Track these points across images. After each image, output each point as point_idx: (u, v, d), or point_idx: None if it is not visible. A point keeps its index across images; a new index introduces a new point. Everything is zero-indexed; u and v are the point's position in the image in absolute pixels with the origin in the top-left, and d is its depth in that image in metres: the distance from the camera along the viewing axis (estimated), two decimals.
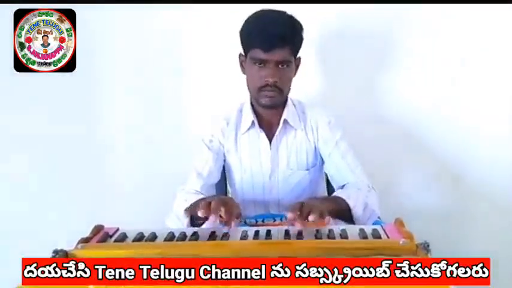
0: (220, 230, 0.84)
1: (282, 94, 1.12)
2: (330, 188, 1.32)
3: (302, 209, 0.82)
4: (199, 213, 0.81)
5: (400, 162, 1.56)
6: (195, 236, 0.81)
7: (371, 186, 1.10)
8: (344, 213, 0.99)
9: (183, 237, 0.81)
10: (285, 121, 1.18)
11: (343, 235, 0.78)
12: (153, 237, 0.81)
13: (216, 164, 1.20)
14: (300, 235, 0.79)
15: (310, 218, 0.79)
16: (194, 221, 1.01)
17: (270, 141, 1.19)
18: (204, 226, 0.95)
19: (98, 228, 0.83)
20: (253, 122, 1.19)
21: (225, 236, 0.81)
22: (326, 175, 1.29)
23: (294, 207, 0.82)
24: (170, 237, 0.81)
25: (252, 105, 1.20)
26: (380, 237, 0.77)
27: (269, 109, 1.17)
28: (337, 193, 1.07)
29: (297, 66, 1.17)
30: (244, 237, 0.80)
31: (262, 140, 1.20)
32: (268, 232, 0.82)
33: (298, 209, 0.82)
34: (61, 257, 0.70)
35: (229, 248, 0.76)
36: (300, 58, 1.16)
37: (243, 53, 1.14)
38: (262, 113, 1.20)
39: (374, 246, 0.73)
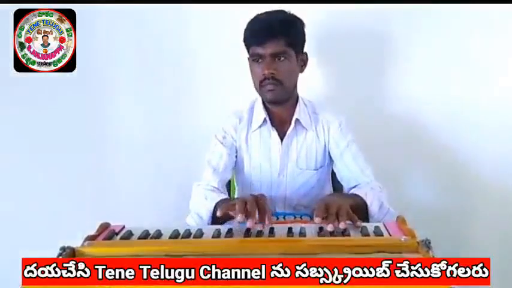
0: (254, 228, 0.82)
1: (283, 87, 1.11)
2: (335, 189, 1.32)
3: (329, 209, 0.82)
4: (239, 219, 0.79)
5: (401, 161, 1.56)
6: (199, 234, 0.82)
7: (381, 186, 1.11)
8: (361, 211, 0.99)
9: (187, 234, 0.82)
10: (297, 120, 1.19)
11: (346, 233, 0.79)
12: (159, 234, 0.82)
13: (229, 159, 1.20)
14: (302, 233, 0.80)
15: (342, 225, 0.78)
16: (217, 219, 0.99)
17: (281, 139, 1.20)
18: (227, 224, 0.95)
19: (104, 226, 0.84)
20: (265, 119, 1.19)
21: (229, 233, 0.82)
22: (332, 176, 1.29)
23: (320, 210, 0.82)
24: (175, 234, 0.82)
25: (264, 103, 1.21)
26: (382, 235, 0.77)
27: (275, 104, 1.17)
28: (353, 191, 1.08)
29: (304, 62, 1.18)
30: (247, 235, 0.80)
31: (274, 138, 1.20)
32: (271, 230, 0.82)
33: (324, 211, 0.82)
34: (68, 254, 0.71)
35: (233, 246, 0.76)
36: (306, 54, 1.17)
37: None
38: (273, 111, 1.21)
39: (376, 243, 0.73)
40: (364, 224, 0.83)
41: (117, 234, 0.83)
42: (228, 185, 1.35)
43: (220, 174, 1.17)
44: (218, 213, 0.88)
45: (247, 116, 1.23)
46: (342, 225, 0.78)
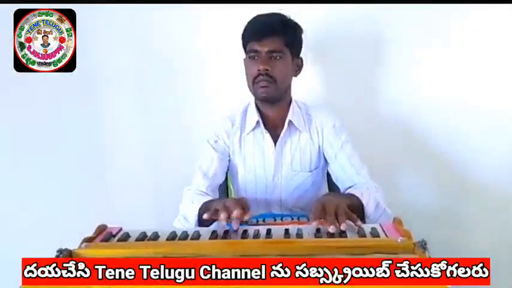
0: (223, 229, 0.84)
1: (276, 85, 1.12)
2: (331, 190, 1.32)
3: (327, 210, 0.82)
4: (222, 219, 0.81)
5: (399, 161, 1.56)
6: (196, 235, 0.82)
7: (377, 186, 1.11)
8: (357, 211, 0.99)
9: (184, 236, 0.82)
10: (290, 122, 1.19)
11: (342, 234, 0.79)
12: (156, 236, 0.82)
13: (221, 164, 1.20)
14: (299, 234, 0.80)
15: (343, 226, 0.78)
16: (202, 222, 1.00)
17: (275, 142, 1.20)
18: (211, 227, 0.96)
19: (101, 228, 0.84)
20: (258, 122, 1.19)
21: (226, 235, 0.82)
22: (327, 177, 1.29)
23: (317, 212, 0.82)
24: (172, 236, 0.82)
25: (257, 105, 1.21)
26: (378, 236, 0.77)
27: (268, 103, 1.18)
28: (349, 191, 1.08)
29: (298, 67, 1.19)
30: (244, 236, 0.81)
31: (267, 141, 1.20)
32: (269, 231, 0.82)
33: (322, 212, 0.82)
34: (65, 256, 0.71)
35: (230, 247, 0.76)
36: (301, 59, 1.19)
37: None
38: (266, 113, 1.21)
39: (372, 244, 0.74)
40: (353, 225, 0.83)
41: (114, 236, 0.83)
42: (226, 190, 1.35)
43: (210, 179, 1.17)
44: (205, 216, 0.88)
45: (240, 119, 1.23)
46: (343, 227, 0.78)
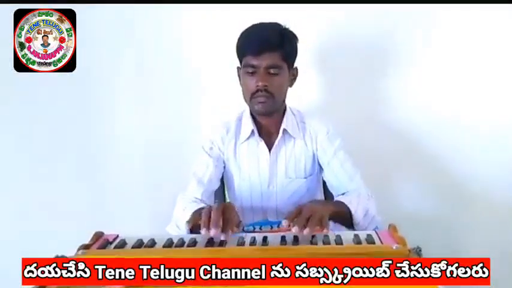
0: (217, 237, 0.83)
1: (274, 100, 1.11)
2: (327, 196, 1.32)
3: (301, 214, 0.83)
4: (202, 231, 0.80)
5: (396, 167, 1.55)
6: (193, 242, 0.82)
7: (370, 194, 1.11)
8: (345, 218, 0.99)
9: (181, 243, 0.82)
10: (285, 130, 1.19)
11: (338, 241, 0.79)
12: (152, 243, 0.82)
13: (216, 171, 1.20)
14: (295, 241, 0.80)
15: (306, 231, 0.78)
16: (193, 229, 1.00)
17: (269, 150, 1.20)
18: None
19: (98, 235, 0.84)
20: (252, 131, 1.19)
21: (223, 242, 0.82)
22: (323, 183, 1.29)
23: (291, 214, 0.83)
24: (169, 243, 0.82)
25: (252, 114, 1.21)
26: (374, 243, 0.78)
27: (264, 116, 1.17)
28: (338, 198, 1.08)
29: (294, 77, 1.18)
30: (241, 243, 0.81)
31: (261, 149, 1.20)
32: (265, 238, 0.82)
33: (296, 215, 0.83)
34: None
35: (226, 254, 0.76)
36: (296, 68, 1.18)
37: (239, 66, 1.16)
38: (261, 122, 1.20)
39: (368, 251, 0.74)
40: (356, 232, 0.84)
41: (110, 243, 0.83)
42: (223, 195, 1.35)
43: (205, 185, 1.16)
44: (189, 225, 0.87)
45: (234, 127, 1.23)
46: (305, 231, 0.78)
